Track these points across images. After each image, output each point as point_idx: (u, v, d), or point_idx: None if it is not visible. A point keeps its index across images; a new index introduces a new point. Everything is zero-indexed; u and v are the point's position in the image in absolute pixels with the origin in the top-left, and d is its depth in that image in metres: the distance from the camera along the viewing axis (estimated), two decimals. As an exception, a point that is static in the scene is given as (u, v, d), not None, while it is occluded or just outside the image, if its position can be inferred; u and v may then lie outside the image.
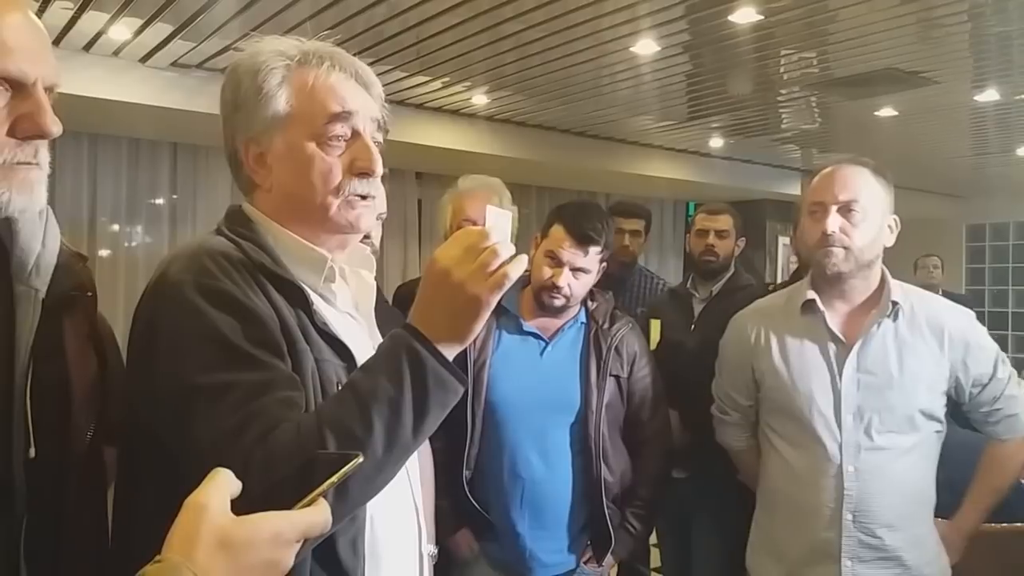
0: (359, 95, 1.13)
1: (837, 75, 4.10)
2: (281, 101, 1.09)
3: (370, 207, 1.13)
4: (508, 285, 0.94)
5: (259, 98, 1.08)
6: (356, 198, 1.10)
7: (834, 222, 1.83)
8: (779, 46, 3.73)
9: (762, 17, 3.28)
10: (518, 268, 0.94)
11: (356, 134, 1.11)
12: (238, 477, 0.71)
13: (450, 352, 0.96)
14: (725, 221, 3.15)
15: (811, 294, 1.93)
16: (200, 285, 0.98)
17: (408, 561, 1.18)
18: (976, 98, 4.48)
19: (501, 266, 0.94)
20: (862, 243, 1.85)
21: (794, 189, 7.05)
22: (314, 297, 1.08)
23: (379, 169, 1.12)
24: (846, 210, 1.84)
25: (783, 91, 4.51)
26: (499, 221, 0.96)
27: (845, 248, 1.84)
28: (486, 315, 0.96)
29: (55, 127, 0.94)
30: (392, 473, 0.96)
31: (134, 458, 1.06)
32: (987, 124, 5.19)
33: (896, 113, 4.83)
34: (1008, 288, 8.03)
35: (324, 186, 1.08)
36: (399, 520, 1.15)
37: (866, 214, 1.85)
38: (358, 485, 0.90)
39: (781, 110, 4.98)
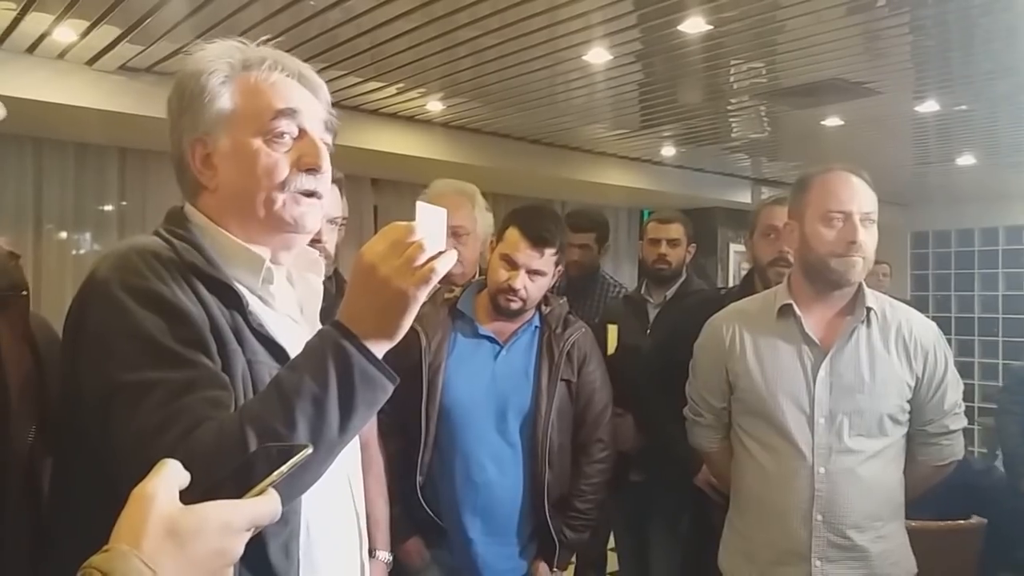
0: (303, 95, 1.14)
1: (785, 85, 4.19)
2: (225, 99, 1.09)
3: (315, 206, 1.13)
4: (435, 280, 0.93)
5: (203, 98, 1.09)
6: (302, 195, 1.11)
7: (862, 232, 1.87)
8: (728, 56, 3.80)
9: (711, 27, 3.34)
10: (445, 264, 0.94)
11: (302, 132, 1.12)
12: None
13: (379, 348, 0.96)
14: (676, 230, 3.21)
15: (788, 299, 1.97)
16: (126, 283, 0.97)
17: (348, 569, 1.17)
18: (917, 109, 4.61)
19: (428, 261, 0.93)
20: (872, 253, 1.91)
21: (744, 197, 7.17)
22: (251, 298, 1.08)
23: (326, 165, 1.12)
24: (866, 220, 1.89)
25: (733, 100, 4.59)
26: (430, 218, 0.95)
27: (863, 258, 1.89)
28: (414, 310, 0.95)
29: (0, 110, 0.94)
30: (318, 472, 0.95)
31: (65, 460, 1.05)
32: (928, 134, 5.34)
33: (842, 123, 4.95)
34: (951, 294, 8.27)
35: (270, 181, 1.09)
36: (338, 528, 1.14)
37: (875, 225, 1.92)
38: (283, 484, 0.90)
39: (731, 119, 5.07)
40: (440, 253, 0.94)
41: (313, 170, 1.11)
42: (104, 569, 0.61)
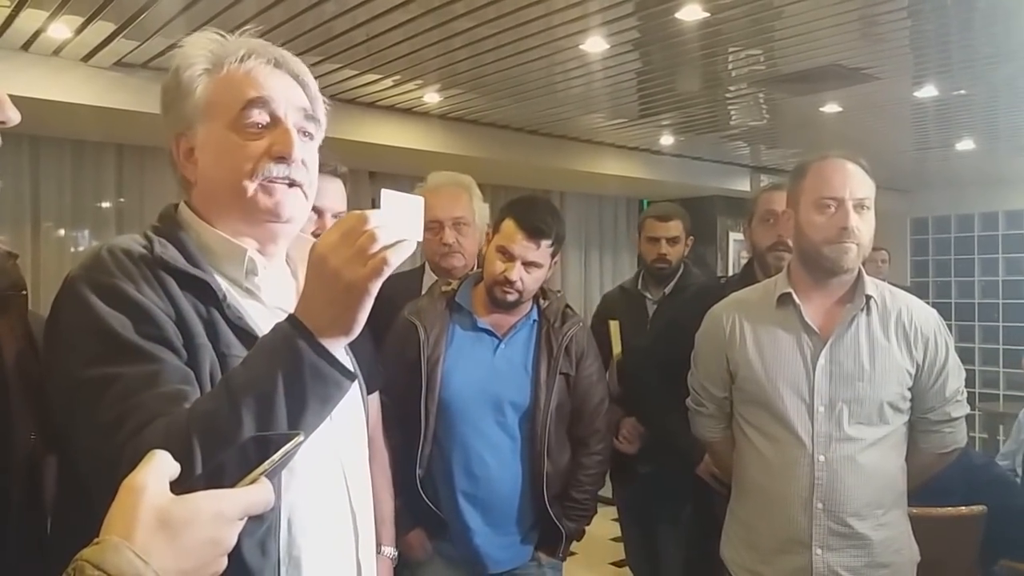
0: (281, 82, 1.13)
1: (783, 72, 4.17)
2: (200, 92, 1.10)
3: (294, 195, 1.12)
4: (388, 271, 0.89)
5: (181, 91, 1.10)
6: (276, 184, 1.09)
7: (854, 218, 1.86)
8: (726, 43, 3.78)
9: (708, 15, 3.32)
10: (400, 254, 0.89)
11: (275, 120, 1.10)
12: (111, 473, 0.70)
13: (334, 343, 0.93)
14: (676, 227, 3.20)
15: (788, 288, 1.96)
16: (91, 280, 0.98)
17: (340, 569, 1.15)
18: (916, 94, 4.59)
19: (381, 251, 0.88)
20: (868, 240, 1.90)
21: (743, 185, 7.15)
22: (234, 291, 1.08)
23: (297, 153, 1.10)
24: (860, 207, 1.88)
25: (731, 88, 4.57)
26: (400, 206, 0.91)
27: (857, 244, 1.88)
28: (368, 303, 0.91)
29: (14, 114, 0.95)
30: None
31: (63, 459, 1.05)
32: (927, 120, 5.31)
33: (840, 109, 4.93)
34: (951, 279, 8.25)
35: (239, 170, 1.08)
36: (328, 526, 1.12)
37: (872, 211, 1.90)
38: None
39: (729, 107, 5.04)
40: (397, 243, 0.89)
41: (282, 158, 1.09)
42: (95, 562, 0.61)
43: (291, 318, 0.93)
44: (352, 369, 0.96)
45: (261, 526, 0.99)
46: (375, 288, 0.90)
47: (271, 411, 0.88)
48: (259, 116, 1.09)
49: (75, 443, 0.94)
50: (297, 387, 0.90)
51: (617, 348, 3.04)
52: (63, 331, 0.99)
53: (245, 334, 1.05)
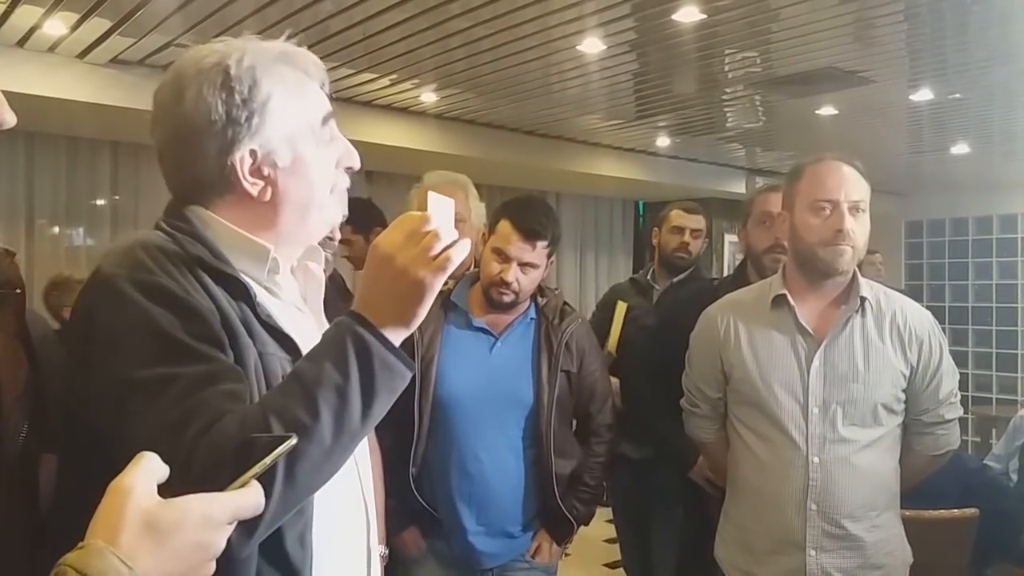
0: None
1: (779, 74, 4.18)
2: (290, 111, 1.07)
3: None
4: (451, 268, 0.95)
5: (266, 110, 1.05)
6: (340, 194, 1.13)
7: (850, 221, 1.86)
8: (722, 45, 3.79)
9: (705, 16, 3.33)
10: (461, 252, 0.95)
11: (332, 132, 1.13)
12: (182, 472, 0.69)
13: (396, 337, 0.97)
14: (700, 221, 3.29)
15: (782, 289, 1.97)
16: (135, 279, 0.96)
17: (356, 558, 1.16)
18: (911, 97, 4.61)
19: (444, 250, 0.94)
20: (863, 242, 1.90)
21: (739, 187, 7.17)
22: (257, 289, 1.07)
23: (358, 163, 1.15)
24: (855, 209, 1.88)
25: (727, 90, 4.58)
26: (441, 208, 0.97)
27: (852, 247, 1.88)
28: (431, 299, 0.97)
29: (10, 116, 0.94)
30: (341, 460, 0.96)
31: (74, 461, 1.02)
32: (922, 123, 5.33)
33: (836, 112, 4.94)
34: (945, 283, 8.27)
35: (323, 186, 1.11)
36: (346, 516, 1.14)
37: (867, 214, 1.91)
38: (306, 472, 0.89)
39: (726, 109, 5.06)
40: (455, 242, 0.95)
41: (351, 168, 1.14)
42: (79, 566, 0.60)
43: (353, 314, 0.96)
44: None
45: (301, 519, 1.00)
46: (439, 285, 0.96)
47: (346, 403, 0.91)
48: (330, 130, 1.12)
49: (132, 444, 0.91)
50: (368, 379, 0.93)
51: (618, 327, 3.10)
52: (107, 331, 0.95)
53: (276, 331, 1.05)
